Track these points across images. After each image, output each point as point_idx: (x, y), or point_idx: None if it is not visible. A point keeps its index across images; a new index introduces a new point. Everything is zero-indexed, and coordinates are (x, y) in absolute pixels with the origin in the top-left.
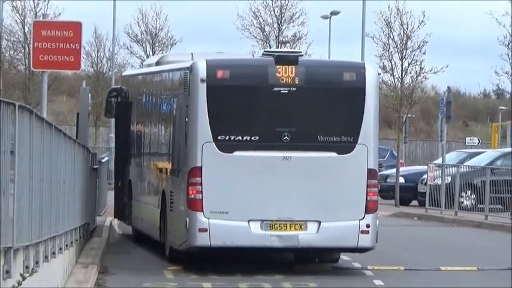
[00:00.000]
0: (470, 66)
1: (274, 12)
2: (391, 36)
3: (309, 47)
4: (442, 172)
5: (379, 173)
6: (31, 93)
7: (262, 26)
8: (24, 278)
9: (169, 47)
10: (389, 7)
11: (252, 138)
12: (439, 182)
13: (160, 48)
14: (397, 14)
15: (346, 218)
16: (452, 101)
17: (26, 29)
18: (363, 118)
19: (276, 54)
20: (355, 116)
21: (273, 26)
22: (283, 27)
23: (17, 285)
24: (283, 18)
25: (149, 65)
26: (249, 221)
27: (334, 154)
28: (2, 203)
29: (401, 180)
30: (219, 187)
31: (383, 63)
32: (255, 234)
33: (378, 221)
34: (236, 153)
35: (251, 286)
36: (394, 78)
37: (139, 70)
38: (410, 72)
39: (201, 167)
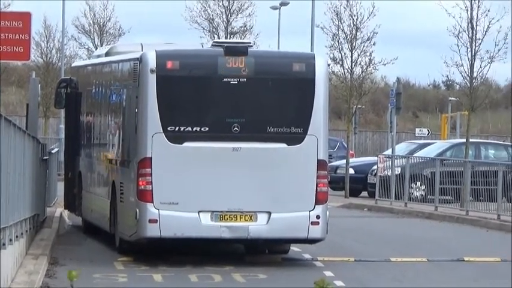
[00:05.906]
0: (420, 58)
1: (222, 2)
2: (341, 27)
3: (257, 37)
4: (392, 163)
5: (329, 164)
6: None
7: (211, 17)
8: None
9: (118, 37)
10: None
11: (202, 129)
12: (389, 173)
13: (108, 39)
14: (347, 5)
15: (296, 209)
16: (402, 92)
17: None
18: (313, 109)
19: (226, 45)
20: (304, 106)
21: (221, 16)
22: (232, 18)
23: None
24: (232, 9)
25: (99, 56)
26: (199, 212)
27: (283, 145)
28: None
29: (351, 171)
30: (169, 178)
31: (333, 54)
32: (205, 225)
33: (328, 212)
34: (186, 144)
35: (201, 277)
36: (344, 69)
37: (89, 61)
38: (360, 63)
39: (151, 158)
